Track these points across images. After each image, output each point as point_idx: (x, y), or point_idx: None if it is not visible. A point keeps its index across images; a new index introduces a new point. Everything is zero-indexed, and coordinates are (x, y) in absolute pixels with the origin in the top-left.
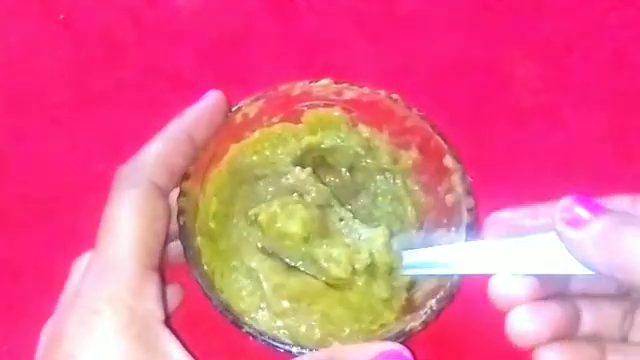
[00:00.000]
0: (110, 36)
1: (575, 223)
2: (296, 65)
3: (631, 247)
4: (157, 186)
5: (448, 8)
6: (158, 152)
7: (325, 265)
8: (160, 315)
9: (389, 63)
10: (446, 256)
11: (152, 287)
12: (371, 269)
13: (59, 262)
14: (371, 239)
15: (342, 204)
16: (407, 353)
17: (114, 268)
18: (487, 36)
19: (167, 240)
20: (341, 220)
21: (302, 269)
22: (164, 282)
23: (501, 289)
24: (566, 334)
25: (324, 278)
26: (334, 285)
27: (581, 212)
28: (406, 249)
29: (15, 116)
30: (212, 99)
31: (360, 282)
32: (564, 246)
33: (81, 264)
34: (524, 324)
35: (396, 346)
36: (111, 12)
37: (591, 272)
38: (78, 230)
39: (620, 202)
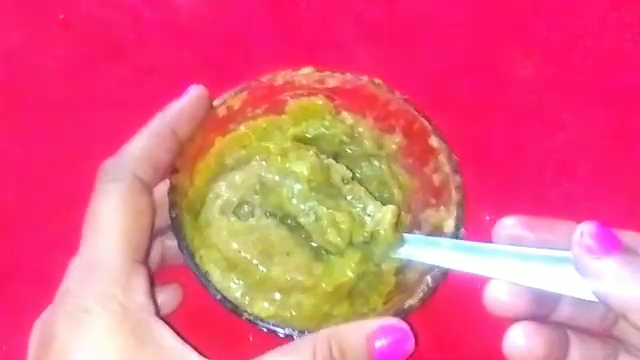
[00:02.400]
0: (110, 36)
1: (596, 251)
2: (296, 65)
3: None
4: (141, 180)
5: (448, 8)
6: (142, 147)
7: (326, 227)
8: (152, 308)
9: (389, 63)
10: (449, 250)
11: (141, 280)
12: (367, 246)
13: (59, 262)
14: (379, 215)
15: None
16: (405, 326)
17: (101, 264)
18: (487, 36)
19: (153, 234)
20: (347, 183)
21: (301, 220)
22: (153, 279)
23: (499, 295)
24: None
25: (317, 238)
26: (321, 248)
27: (603, 242)
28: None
29: (15, 116)
30: (194, 93)
31: (352, 257)
32: (577, 271)
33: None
34: (523, 341)
35: (394, 320)
36: (111, 12)
37: (596, 300)
38: (78, 230)
39: (633, 238)
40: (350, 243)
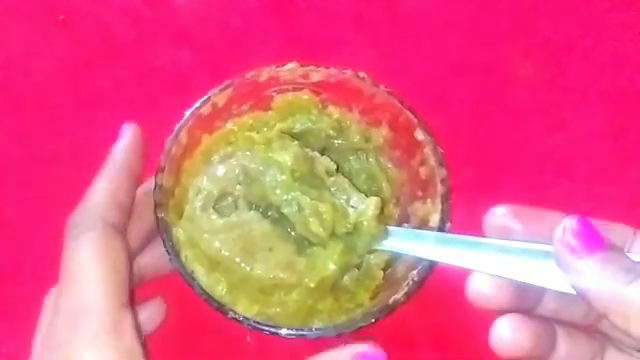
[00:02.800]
0: (110, 36)
1: (578, 250)
2: None
3: (635, 297)
4: (112, 225)
5: (448, 8)
6: (105, 192)
7: (308, 217)
8: (140, 350)
9: (389, 63)
10: (433, 243)
11: (128, 323)
12: (350, 237)
13: (56, 264)
14: (362, 207)
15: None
16: (377, 350)
17: (88, 312)
18: (487, 36)
19: (132, 272)
20: (331, 176)
21: (284, 211)
22: (136, 316)
23: (481, 287)
24: (543, 354)
25: (300, 228)
26: (304, 238)
27: (586, 240)
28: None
29: (15, 116)
30: (132, 132)
31: (335, 249)
32: (559, 268)
33: (51, 300)
34: (509, 333)
35: (366, 346)
36: (111, 12)
37: (573, 292)
38: None
39: (622, 232)
40: (333, 234)
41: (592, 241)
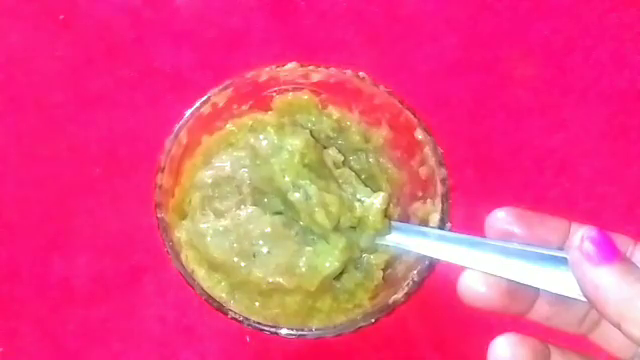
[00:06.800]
0: (110, 36)
1: (595, 259)
2: None
3: None
4: None
5: (448, 8)
6: None
7: (315, 206)
8: None
9: (389, 63)
10: (435, 240)
11: None
12: (353, 232)
13: (55, 264)
14: (368, 201)
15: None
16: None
17: None
18: (487, 36)
19: None
20: (338, 168)
21: (291, 197)
22: None
23: (473, 285)
24: None
25: (304, 217)
26: (306, 232)
27: (604, 250)
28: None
29: (14, 116)
30: None
31: (337, 244)
32: (575, 275)
33: None
34: (509, 351)
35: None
36: (111, 12)
37: (580, 299)
38: (74, 232)
39: (622, 242)
40: (336, 228)
41: (609, 251)
